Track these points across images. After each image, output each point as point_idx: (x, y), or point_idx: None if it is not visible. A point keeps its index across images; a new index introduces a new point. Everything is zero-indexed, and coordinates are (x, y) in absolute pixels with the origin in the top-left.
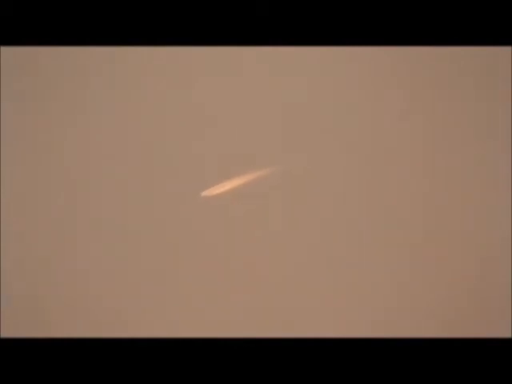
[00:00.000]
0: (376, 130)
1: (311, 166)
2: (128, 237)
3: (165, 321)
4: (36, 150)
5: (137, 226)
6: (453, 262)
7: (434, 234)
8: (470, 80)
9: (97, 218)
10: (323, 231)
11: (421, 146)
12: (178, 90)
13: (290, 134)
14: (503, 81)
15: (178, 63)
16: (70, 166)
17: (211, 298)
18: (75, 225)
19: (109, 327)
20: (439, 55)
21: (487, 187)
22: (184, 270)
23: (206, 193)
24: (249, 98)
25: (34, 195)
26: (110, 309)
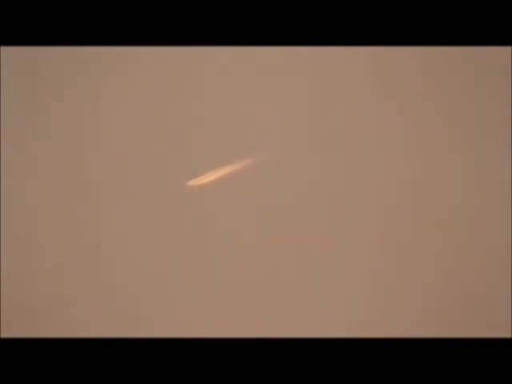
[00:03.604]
0: (375, 129)
1: (307, 162)
2: (128, 236)
3: (165, 321)
4: (36, 149)
5: (137, 225)
6: (452, 262)
7: (434, 234)
8: (470, 80)
9: (96, 217)
10: (316, 227)
11: (420, 145)
12: (175, 88)
13: (285, 131)
14: (503, 81)
15: (178, 63)
16: (69, 166)
17: (209, 297)
18: (75, 225)
19: (109, 327)
20: (439, 55)
21: (487, 187)
22: (181, 269)
23: (192, 182)
24: (245, 95)
25: (35, 195)
26: (110, 309)
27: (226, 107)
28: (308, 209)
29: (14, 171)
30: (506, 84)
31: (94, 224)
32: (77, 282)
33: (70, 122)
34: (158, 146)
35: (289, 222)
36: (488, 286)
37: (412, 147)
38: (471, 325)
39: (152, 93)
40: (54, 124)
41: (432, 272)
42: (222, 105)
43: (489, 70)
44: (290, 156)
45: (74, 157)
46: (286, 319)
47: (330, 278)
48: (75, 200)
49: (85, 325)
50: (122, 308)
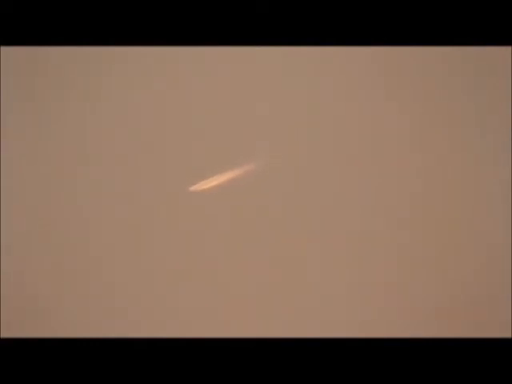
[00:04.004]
0: (375, 129)
1: (307, 163)
2: (128, 235)
3: (165, 321)
4: (36, 149)
5: (137, 225)
6: (452, 262)
7: (434, 234)
8: (470, 80)
9: (96, 217)
10: (318, 229)
11: (420, 145)
12: (175, 88)
13: (285, 131)
14: (503, 81)
15: (178, 63)
16: (70, 166)
17: (210, 297)
18: (75, 225)
19: (109, 327)
20: (439, 55)
21: (487, 187)
22: (181, 269)
23: (195, 187)
24: (245, 95)
25: (35, 195)
26: (110, 309)
27: (225, 107)
28: (308, 209)
29: (13, 171)
30: (506, 84)
31: (94, 224)
32: (77, 282)
33: (70, 122)
34: (158, 145)
35: (289, 223)
36: (488, 286)
37: (412, 147)
38: (471, 325)
39: (152, 93)
40: (54, 124)
41: (432, 272)
42: (221, 105)
43: (489, 70)
44: (289, 156)
45: (74, 157)
46: (285, 319)
47: (330, 278)
48: (75, 200)
49: (85, 325)
50: (122, 308)
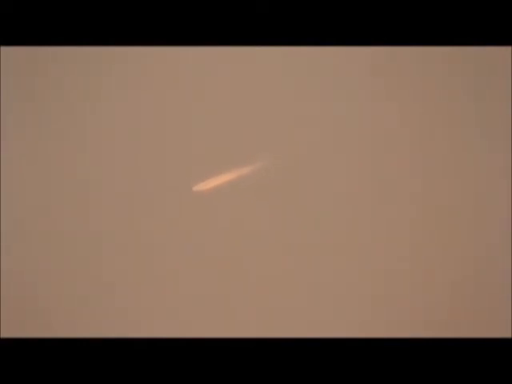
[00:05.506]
0: (375, 129)
1: (307, 163)
2: (127, 235)
3: (165, 321)
4: (36, 149)
5: (137, 225)
6: (452, 262)
7: (434, 234)
8: (470, 80)
9: (96, 217)
10: (319, 229)
11: (420, 145)
12: (175, 88)
13: (285, 131)
14: (503, 81)
15: (178, 63)
16: (70, 166)
17: (210, 297)
18: (75, 225)
19: (109, 327)
20: (439, 55)
21: (487, 187)
22: (181, 269)
23: (198, 187)
24: (245, 95)
25: (35, 195)
26: (110, 309)
27: (225, 107)
28: (308, 209)
29: (14, 171)
30: (506, 84)
31: (94, 224)
32: (77, 282)
33: (70, 122)
34: (158, 145)
35: (288, 223)
36: (488, 286)
37: (412, 147)
38: (471, 325)
39: (152, 93)
40: (54, 124)
41: (432, 272)
42: (221, 105)
43: (489, 70)
44: (289, 156)
45: (74, 157)
46: (285, 319)
47: (330, 278)
48: (75, 200)
49: (85, 325)
50: (122, 308)
